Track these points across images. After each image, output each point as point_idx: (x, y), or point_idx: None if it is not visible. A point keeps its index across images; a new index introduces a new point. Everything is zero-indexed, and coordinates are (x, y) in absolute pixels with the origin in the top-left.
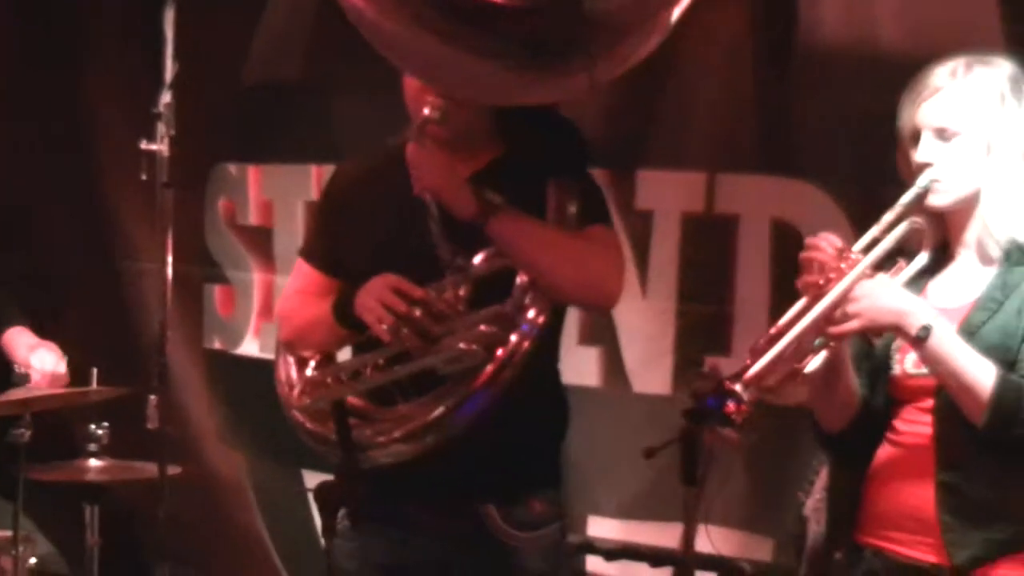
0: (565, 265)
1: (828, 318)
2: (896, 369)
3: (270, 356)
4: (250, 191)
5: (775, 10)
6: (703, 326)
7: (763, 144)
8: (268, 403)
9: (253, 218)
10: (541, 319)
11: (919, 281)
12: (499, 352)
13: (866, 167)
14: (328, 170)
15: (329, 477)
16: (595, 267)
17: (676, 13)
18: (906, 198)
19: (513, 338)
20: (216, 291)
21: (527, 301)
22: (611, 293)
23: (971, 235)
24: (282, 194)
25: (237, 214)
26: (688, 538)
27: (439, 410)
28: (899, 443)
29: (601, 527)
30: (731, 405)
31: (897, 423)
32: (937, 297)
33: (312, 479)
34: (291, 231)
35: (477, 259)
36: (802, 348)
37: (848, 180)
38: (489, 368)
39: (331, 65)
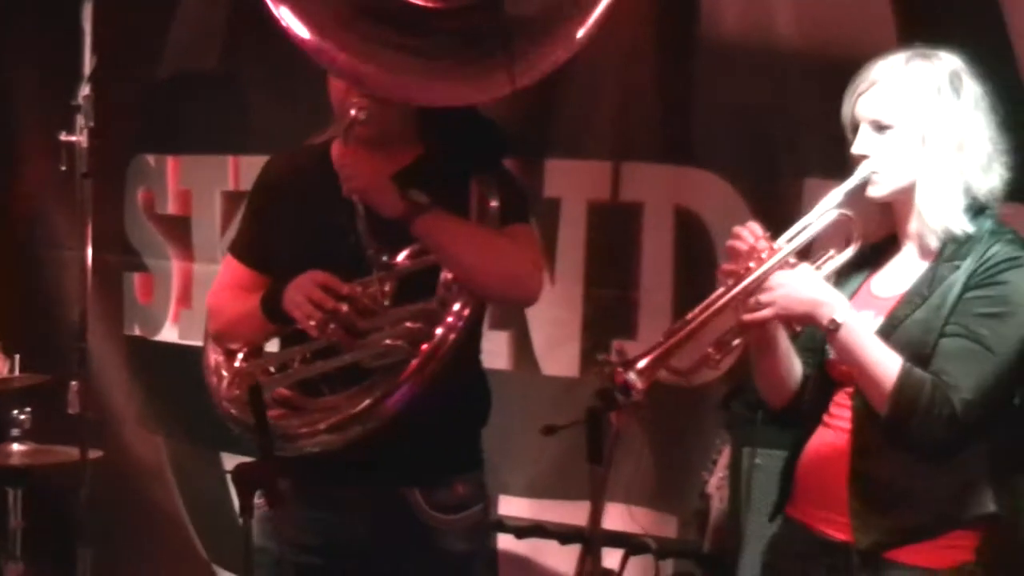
0: (488, 263)
1: (744, 306)
2: (831, 353)
3: (189, 342)
4: (168, 181)
5: (677, 5)
6: (609, 310)
7: (666, 134)
8: (187, 388)
9: (171, 207)
10: (467, 311)
11: (862, 270)
12: (424, 346)
13: (764, 157)
14: (245, 160)
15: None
16: (516, 265)
17: (594, 17)
18: (842, 189)
19: (439, 331)
20: (136, 279)
21: (452, 296)
22: (531, 290)
23: (912, 228)
24: (200, 184)
25: (156, 203)
26: (595, 516)
27: (366, 401)
28: (830, 425)
29: (511, 506)
30: (633, 383)
31: (832, 406)
32: (878, 287)
33: (231, 462)
34: (209, 220)
35: (401, 256)
36: (719, 334)
37: (748, 169)
38: (416, 361)
39: (247, 58)
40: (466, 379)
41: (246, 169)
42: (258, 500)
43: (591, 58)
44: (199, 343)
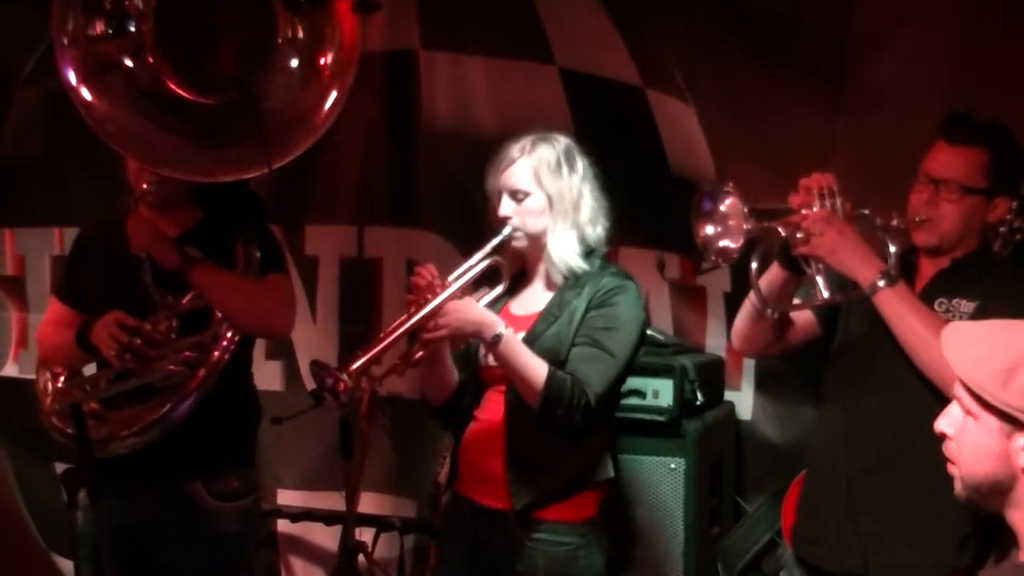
0: (246, 306)
1: (424, 327)
2: (483, 362)
3: (26, 376)
4: (7, 249)
5: (402, 100)
6: (358, 341)
7: (398, 204)
8: (26, 411)
9: (9, 270)
10: (237, 338)
11: (503, 300)
12: (202, 370)
13: (471, 219)
14: (68, 231)
15: (72, 465)
16: (269, 307)
17: (336, 110)
18: (493, 243)
19: (216, 354)
20: None
21: (223, 329)
22: (283, 327)
23: (541, 267)
24: (32, 251)
25: None
26: (349, 501)
27: (161, 411)
28: (481, 419)
29: (287, 497)
30: (341, 384)
31: (483, 402)
32: (516, 309)
33: (61, 468)
34: (40, 279)
35: (186, 299)
36: (406, 349)
37: (461, 229)
38: (197, 377)
39: (65, 145)
40: (239, 395)
41: (69, 237)
42: (82, 496)
43: (335, 145)
44: (34, 376)
